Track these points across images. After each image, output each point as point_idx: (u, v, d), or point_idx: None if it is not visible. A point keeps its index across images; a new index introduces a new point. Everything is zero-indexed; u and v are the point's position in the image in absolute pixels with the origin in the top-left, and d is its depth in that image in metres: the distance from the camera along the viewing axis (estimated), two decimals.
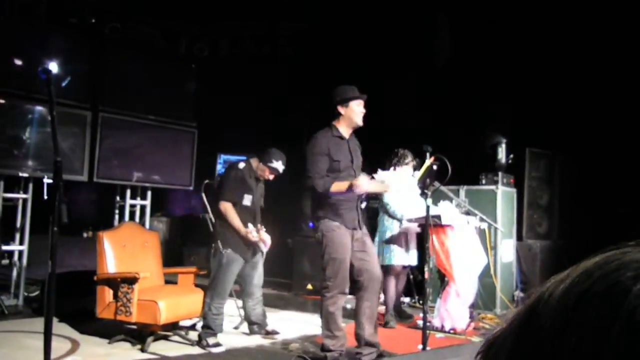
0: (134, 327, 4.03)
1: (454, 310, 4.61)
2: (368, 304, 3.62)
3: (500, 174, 5.82)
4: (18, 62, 5.04)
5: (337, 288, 3.55)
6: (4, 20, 5.08)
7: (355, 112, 3.62)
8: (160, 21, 6.56)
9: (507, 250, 5.83)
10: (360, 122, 3.64)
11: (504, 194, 5.80)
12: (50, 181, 2.13)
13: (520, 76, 6.03)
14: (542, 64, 5.93)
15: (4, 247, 4.98)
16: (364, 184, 3.47)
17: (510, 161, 6.00)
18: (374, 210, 6.88)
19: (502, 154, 6.02)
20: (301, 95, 6.83)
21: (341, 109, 3.61)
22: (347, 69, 6.88)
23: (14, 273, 5.12)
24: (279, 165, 4.22)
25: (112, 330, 4.07)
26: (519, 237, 6.12)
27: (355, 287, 3.65)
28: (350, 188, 3.44)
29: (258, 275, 4.37)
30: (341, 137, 3.64)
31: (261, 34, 7.10)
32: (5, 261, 5.15)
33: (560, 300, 0.39)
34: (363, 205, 3.91)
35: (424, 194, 3.66)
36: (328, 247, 3.54)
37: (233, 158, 6.87)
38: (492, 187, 5.77)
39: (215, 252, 4.15)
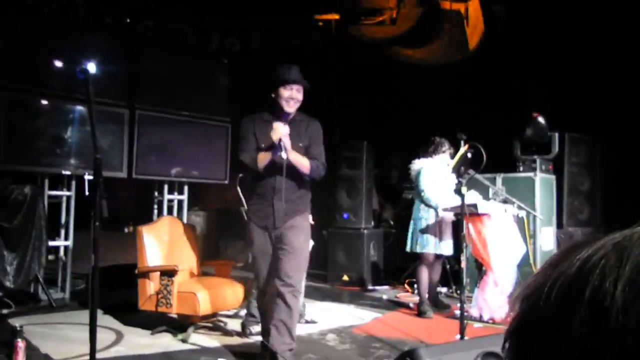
0: (175, 318, 4.13)
1: (492, 299, 4.54)
2: (275, 307, 3.33)
3: (538, 160, 5.68)
4: (58, 63, 5.19)
5: (255, 285, 3.66)
6: (43, 22, 5.24)
7: (281, 96, 3.31)
8: (191, 17, 6.64)
9: (547, 238, 5.70)
10: (287, 109, 3.32)
11: (542, 180, 5.66)
12: (91, 178, 2.20)
13: (555, 59, 5.85)
14: (578, 45, 5.74)
15: (50, 243, 5.18)
16: (276, 129, 3.18)
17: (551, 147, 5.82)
18: (407, 200, 6.86)
19: (541, 140, 5.86)
20: (331, 86, 6.82)
21: (272, 94, 3.35)
22: (376, 58, 6.84)
23: (60, 268, 5.33)
24: None
25: (154, 322, 4.19)
26: (559, 225, 5.97)
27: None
28: (273, 149, 3.19)
29: None
30: (269, 122, 3.34)
31: (291, 26, 7.11)
32: (52, 256, 5.35)
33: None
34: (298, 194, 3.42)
35: (458, 183, 3.60)
36: (249, 244, 3.55)
37: None
38: (530, 174, 5.64)
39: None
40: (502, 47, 6.07)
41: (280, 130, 3.19)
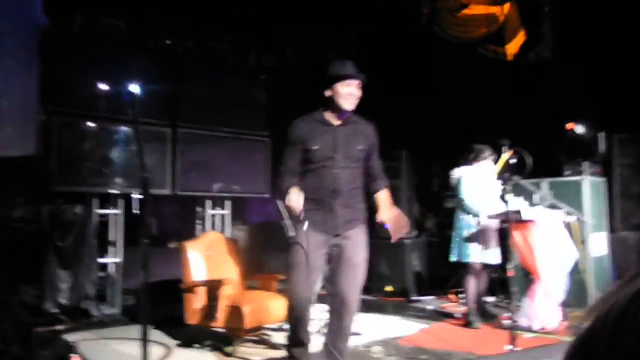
0: (221, 331, 4.18)
1: (542, 308, 4.40)
2: (329, 329, 3.20)
3: (585, 163, 5.50)
4: (103, 86, 5.40)
5: (292, 307, 3.22)
6: (89, 47, 5.46)
7: (340, 94, 3.03)
8: (228, 36, 6.79)
9: (599, 243, 5.49)
10: (347, 107, 3.05)
11: (591, 184, 5.47)
12: (140, 196, 2.27)
13: (600, 58, 5.67)
14: (623, 43, 5.55)
15: (101, 260, 5.34)
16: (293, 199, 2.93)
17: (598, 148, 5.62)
18: (447, 210, 6.74)
19: (588, 142, 5.67)
20: (368, 95, 6.82)
21: (327, 92, 3.08)
22: (416, 66, 6.80)
23: (111, 284, 5.49)
24: None
25: (200, 335, 4.25)
26: (612, 230, 5.74)
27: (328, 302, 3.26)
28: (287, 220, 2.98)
29: None
30: (323, 123, 3.11)
31: (325, 39, 7.17)
32: (102, 273, 5.52)
33: None
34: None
35: (503, 189, 3.52)
36: (289, 250, 3.13)
37: None
38: (577, 177, 5.46)
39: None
40: (543, 48, 5.94)
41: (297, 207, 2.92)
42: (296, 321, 3.21)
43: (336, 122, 3.11)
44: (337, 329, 3.07)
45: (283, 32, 7.06)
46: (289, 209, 2.90)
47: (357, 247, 3.09)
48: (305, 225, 2.96)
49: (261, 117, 6.71)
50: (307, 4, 6.26)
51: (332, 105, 3.08)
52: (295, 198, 2.91)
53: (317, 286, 3.45)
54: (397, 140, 6.99)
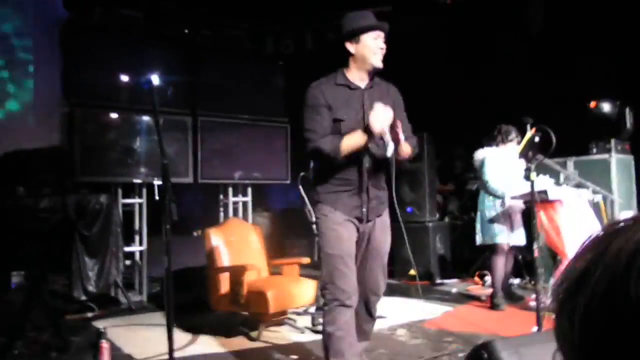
0: (246, 316, 4.23)
1: None
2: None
3: (613, 141, 5.35)
4: (124, 77, 5.45)
5: (333, 297, 2.60)
6: (107, 37, 5.50)
7: (369, 48, 2.59)
8: (246, 23, 6.77)
9: None
10: (377, 64, 2.62)
11: (619, 162, 5.33)
12: (160, 183, 2.29)
13: (622, 32, 5.49)
14: None
15: (126, 249, 5.44)
16: (378, 116, 2.43)
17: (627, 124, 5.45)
18: (470, 192, 6.66)
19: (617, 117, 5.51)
20: (386, 79, 6.75)
21: (350, 46, 2.62)
22: (438, 49, 6.68)
23: (137, 272, 5.59)
24: None
25: (226, 321, 4.30)
26: None
27: None
28: (366, 136, 2.49)
29: None
30: (349, 87, 2.66)
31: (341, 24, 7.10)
32: (129, 262, 5.63)
33: None
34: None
35: (527, 169, 3.45)
36: (321, 239, 2.66)
37: None
38: (605, 155, 5.32)
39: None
40: (566, 25, 5.78)
41: (386, 116, 2.45)
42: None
43: (362, 84, 2.66)
44: (364, 313, 2.84)
45: (300, 18, 7.00)
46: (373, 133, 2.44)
47: (386, 235, 2.80)
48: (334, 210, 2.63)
49: (280, 103, 6.69)
50: None
51: (358, 63, 2.62)
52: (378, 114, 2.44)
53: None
54: (419, 123, 6.91)
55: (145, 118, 5.53)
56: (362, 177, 2.65)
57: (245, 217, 6.37)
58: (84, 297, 4.91)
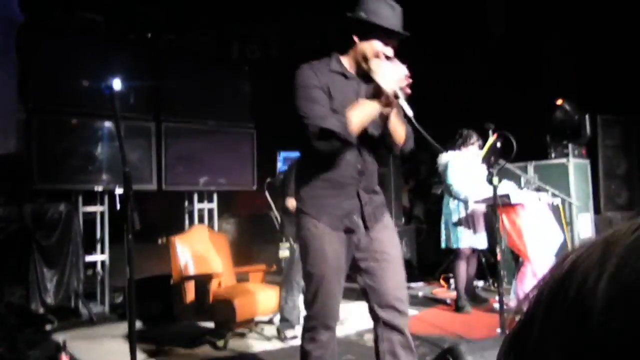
0: (212, 325, 4.17)
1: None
2: (387, 345, 2.30)
3: (570, 145, 5.53)
4: (85, 82, 5.31)
5: (314, 319, 2.30)
6: (67, 41, 5.36)
7: (375, 51, 2.23)
8: (211, 28, 6.71)
9: (585, 225, 5.54)
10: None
11: (576, 166, 5.51)
12: (121, 191, 2.23)
13: (582, 40, 5.69)
14: (605, 24, 5.56)
15: (87, 258, 5.29)
16: (388, 72, 2.10)
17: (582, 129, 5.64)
18: (435, 196, 6.76)
19: (570, 124, 5.71)
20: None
21: (357, 39, 2.27)
22: (402, 53, 6.76)
23: (99, 282, 5.44)
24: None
25: (191, 330, 4.23)
26: (597, 211, 5.80)
27: (371, 317, 2.37)
28: (382, 102, 2.11)
29: None
30: (345, 75, 2.31)
31: (309, 29, 7.12)
32: (90, 271, 5.47)
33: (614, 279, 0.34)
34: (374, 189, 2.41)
35: (489, 173, 3.52)
36: (303, 256, 2.32)
37: (293, 155, 6.93)
38: (563, 160, 5.50)
39: (285, 247, 4.23)
40: (526, 31, 5.94)
41: (397, 71, 2.10)
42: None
43: (357, 75, 2.33)
44: (396, 337, 2.29)
45: (266, 23, 6.99)
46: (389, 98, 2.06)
47: (392, 235, 2.39)
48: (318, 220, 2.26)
49: (246, 108, 6.65)
50: None
51: (358, 57, 2.29)
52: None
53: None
54: None
55: (107, 124, 5.40)
56: (352, 177, 2.26)
57: (211, 224, 6.29)
58: (42, 310, 4.75)
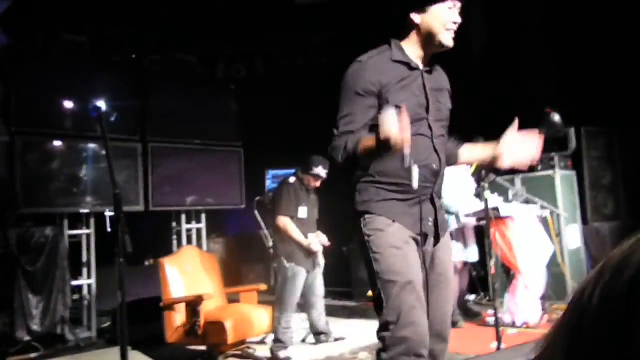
0: (204, 348, 4.08)
1: (524, 303, 4.44)
2: None
3: (556, 157, 5.59)
4: (68, 104, 5.26)
5: (400, 343, 1.85)
6: (50, 63, 5.31)
7: (441, 20, 1.92)
8: (195, 48, 6.71)
9: (574, 235, 5.58)
10: (447, 42, 1.95)
11: (562, 178, 5.56)
12: (112, 214, 2.19)
13: (565, 53, 5.80)
14: (588, 37, 5.68)
15: (74, 283, 5.17)
16: (389, 120, 1.66)
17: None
18: None
19: (557, 135, 5.76)
20: (339, 101, 6.83)
21: (416, 17, 1.95)
22: None
23: (85, 307, 5.31)
24: (320, 171, 4.20)
25: (183, 354, 4.14)
26: (585, 221, 5.85)
27: None
28: (383, 144, 1.70)
29: (319, 286, 4.37)
30: (409, 66, 1.98)
31: (293, 48, 7.16)
32: (76, 296, 5.35)
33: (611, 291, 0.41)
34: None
35: (480, 187, 3.53)
36: (378, 263, 1.91)
37: (281, 173, 6.91)
38: (550, 172, 5.55)
39: (279, 267, 4.18)
40: (509, 44, 6.03)
41: (395, 121, 1.68)
42: None
43: (422, 64, 2.02)
44: None
45: (250, 42, 7.01)
46: (385, 141, 1.69)
47: (450, 257, 2.14)
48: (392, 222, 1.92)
49: (233, 127, 6.64)
50: (273, 13, 6.22)
51: (422, 38, 1.97)
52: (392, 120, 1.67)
53: None
54: None
55: (92, 145, 5.34)
56: (426, 178, 1.95)
57: (199, 244, 6.22)
58: (27, 338, 4.62)
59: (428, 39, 1.98)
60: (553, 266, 4.89)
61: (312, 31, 6.99)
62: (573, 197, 5.71)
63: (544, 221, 4.92)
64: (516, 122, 1.91)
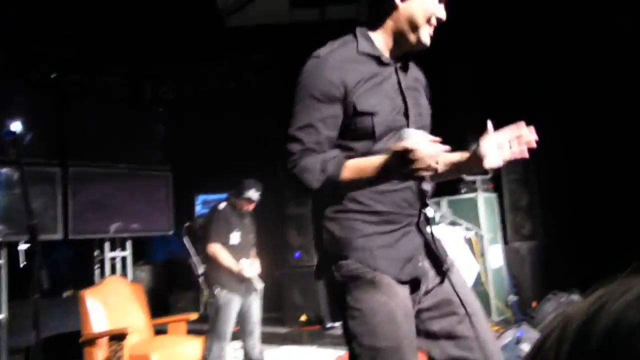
0: None
1: None
2: None
3: (478, 180, 5.86)
4: None
5: None
6: None
7: (425, 10, 1.59)
8: (121, 69, 6.49)
9: (496, 255, 5.84)
10: (424, 39, 1.61)
11: (485, 200, 5.83)
12: (26, 246, 2.03)
13: (482, 77, 6.12)
14: (508, 61, 6.04)
15: None
16: (424, 151, 1.37)
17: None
18: None
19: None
20: (271, 125, 6.82)
21: (399, 3, 1.60)
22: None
23: None
24: (252, 194, 4.13)
25: None
26: (506, 241, 6.14)
27: None
28: (393, 167, 1.42)
29: (255, 313, 4.26)
30: (379, 60, 1.61)
31: (224, 70, 7.10)
32: None
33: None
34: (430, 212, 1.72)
35: None
36: (355, 322, 1.52)
37: (211, 197, 6.77)
38: (473, 194, 5.80)
39: (210, 295, 4.04)
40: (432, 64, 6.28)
41: (430, 148, 1.40)
42: None
43: (394, 60, 1.66)
44: None
45: (179, 64, 6.88)
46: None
47: (464, 279, 1.77)
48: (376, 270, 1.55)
49: (160, 151, 6.44)
50: (203, 34, 6.16)
51: (398, 29, 1.61)
52: None
53: None
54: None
55: (4, 170, 4.98)
56: (409, 203, 1.61)
57: (124, 273, 5.92)
58: None
59: (404, 31, 1.61)
60: (478, 285, 5.08)
61: (243, 54, 6.98)
62: (494, 218, 6.00)
63: (469, 242, 5.12)
64: (489, 124, 1.63)
